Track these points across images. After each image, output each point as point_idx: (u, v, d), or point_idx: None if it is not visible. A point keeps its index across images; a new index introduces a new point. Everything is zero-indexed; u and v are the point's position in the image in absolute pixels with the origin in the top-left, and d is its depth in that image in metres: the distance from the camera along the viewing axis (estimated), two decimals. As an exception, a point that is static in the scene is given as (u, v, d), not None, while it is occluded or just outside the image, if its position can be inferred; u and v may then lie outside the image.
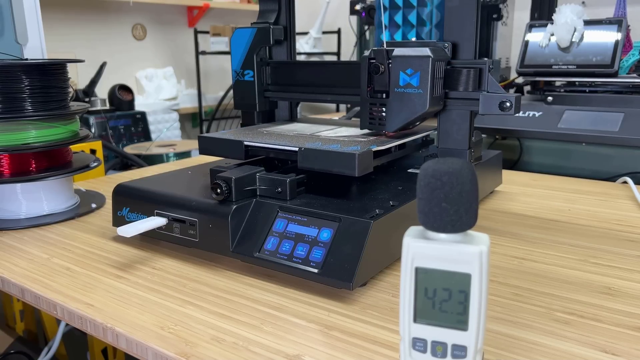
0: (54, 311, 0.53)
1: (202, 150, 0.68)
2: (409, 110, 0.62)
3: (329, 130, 0.73)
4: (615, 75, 1.04)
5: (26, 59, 0.77)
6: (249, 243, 0.57)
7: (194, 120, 3.45)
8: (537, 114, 1.08)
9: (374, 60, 0.63)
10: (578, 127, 1.02)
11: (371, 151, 0.58)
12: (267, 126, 0.77)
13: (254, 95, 0.78)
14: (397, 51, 0.62)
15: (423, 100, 0.61)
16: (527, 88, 1.25)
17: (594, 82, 1.09)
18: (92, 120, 2.39)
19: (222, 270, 0.59)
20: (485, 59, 0.62)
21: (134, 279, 0.57)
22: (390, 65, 0.62)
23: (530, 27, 1.15)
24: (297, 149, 0.60)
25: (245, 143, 0.64)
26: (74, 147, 0.89)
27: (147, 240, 0.68)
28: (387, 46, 0.63)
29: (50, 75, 0.76)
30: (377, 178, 0.69)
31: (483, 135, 1.06)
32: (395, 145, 0.65)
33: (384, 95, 0.64)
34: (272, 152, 0.63)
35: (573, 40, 1.08)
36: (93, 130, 2.37)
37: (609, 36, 1.06)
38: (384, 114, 0.64)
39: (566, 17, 1.08)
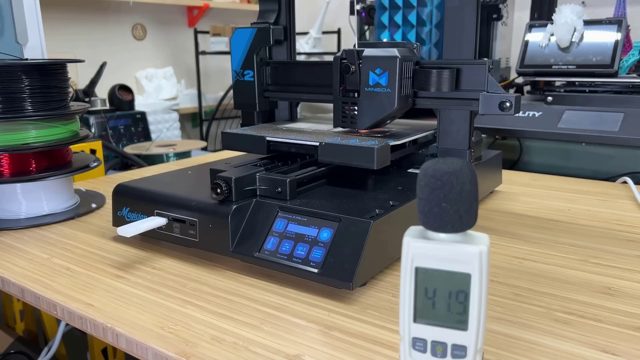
0: (54, 311, 0.53)
1: (226, 146, 0.71)
2: (379, 108, 0.64)
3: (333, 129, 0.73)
4: (615, 75, 1.04)
5: (26, 59, 0.77)
6: (249, 243, 0.57)
7: (194, 121, 3.45)
8: (537, 114, 1.08)
9: (345, 60, 0.65)
10: (578, 127, 1.02)
11: (389, 145, 0.60)
12: (277, 124, 0.78)
13: (254, 95, 0.78)
14: (367, 51, 0.64)
15: (391, 99, 0.63)
16: (527, 88, 1.25)
17: (593, 82, 1.09)
18: (92, 120, 2.39)
19: (222, 270, 0.59)
20: (485, 59, 0.62)
21: (134, 279, 0.57)
22: (360, 65, 0.64)
23: (530, 27, 1.15)
24: (317, 143, 0.62)
25: (268, 138, 0.67)
26: (74, 147, 0.89)
27: (147, 240, 0.68)
28: (359, 47, 0.65)
29: (50, 75, 0.76)
30: (377, 178, 0.69)
31: (483, 135, 1.06)
32: (410, 141, 0.67)
33: (356, 94, 0.66)
34: (294, 147, 0.65)
35: (573, 40, 1.08)
36: (93, 130, 2.37)
37: (608, 36, 1.06)
38: (355, 112, 0.66)
39: (566, 17, 1.08)
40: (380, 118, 0.64)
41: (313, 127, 0.75)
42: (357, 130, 0.69)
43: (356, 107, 0.66)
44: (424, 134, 0.71)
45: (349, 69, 0.65)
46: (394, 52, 0.62)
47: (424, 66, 0.65)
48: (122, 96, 2.62)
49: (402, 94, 0.63)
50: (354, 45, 0.66)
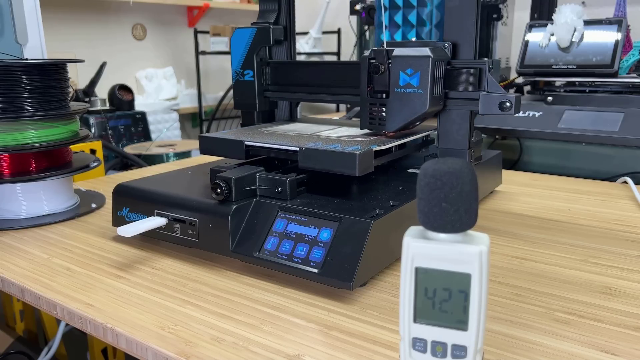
0: (54, 311, 0.53)
1: (203, 150, 0.68)
2: (409, 110, 0.62)
3: (329, 130, 0.73)
4: (615, 75, 1.04)
5: (26, 59, 0.77)
6: (249, 243, 0.57)
7: (194, 120, 3.46)
8: (537, 114, 1.08)
9: (374, 60, 0.63)
10: (578, 127, 1.02)
11: (372, 151, 0.58)
12: (267, 126, 0.77)
13: (253, 95, 0.78)
14: (397, 51, 0.62)
15: (423, 100, 0.61)
16: (527, 88, 1.25)
17: (593, 82, 1.09)
18: (92, 120, 2.39)
19: (222, 270, 0.59)
20: (485, 59, 0.62)
21: (134, 279, 0.57)
22: (390, 65, 0.62)
23: (530, 27, 1.15)
24: (297, 148, 0.60)
25: (246, 143, 0.64)
26: (74, 147, 0.89)
27: (147, 240, 0.68)
28: (387, 46, 0.63)
29: (50, 75, 0.76)
30: (377, 178, 0.69)
31: (483, 135, 1.06)
32: (396, 145, 0.65)
33: (384, 96, 0.64)
34: (273, 152, 0.63)
35: (573, 40, 1.08)
36: (93, 130, 2.37)
37: (608, 36, 1.06)
38: (384, 114, 0.64)
39: (566, 17, 1.08)
40: (410, 120, 0.62)
41: (306, 128, 0.74)
42: (384, 133, 0.67)
43: (384, 109, 0.64)
44: (411, 138, 0.69)
45: (379, 69, 0.63)
46: (427, 51, 0.60)
47: (455, 66, 0.63)
48: (122, 96, 2.62)
49: (434, 95, 0.61)
50: (383, 45, 0.64)
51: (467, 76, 0.62)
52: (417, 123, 0.65)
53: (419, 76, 0.61)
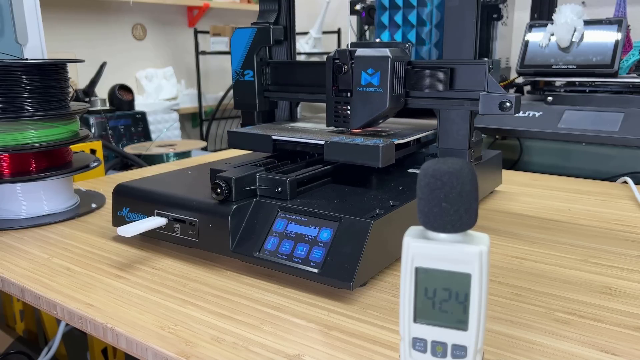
0: (54, 311, 0.53)
1: (232, 145, 0.71)
2: (371, 108, 0.64)
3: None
4: (615, 75, 1.04)
5: (26, 59, 0.77)
6: (249, 243, 0.57)
7: (194, 120, 3.45)
8: (537, 114, 1.08)
9: (338, 60, 0.66)
10: (578, 127, 1.02)
11: (394, 144, 0.61)
12: (288, 123, 0.79)
13: (254, 95, 0.78)
14: (359, 51, 0.64)
15: (383, 99, 0.63)
16: (527, 88, 1.25)
17: (593, 82, 1.09)
18: (92, 120, 2.39)
19: (222, 271, 0.59)
20: (485, 58, 0.62)
21: (134, 278, 0.57)
22: (352, 66, 0.65)
23: (530, 27, 1.15)
24: (323, 142, 0.62)
25: (274, 137, 0.67)
26: (74, 147, 0.89)
27: (148, 240, 0.68)
28: (351, 47, 0.66)
29: (50, 75, 0.76)
30: (378, 178, 0.69)
31: (483, 135, 1.06)
32: (414, 140, 0.67)
33: (348, 94, 0.66)
34: (299, 146, 0.66)
35: (573, 40, 1.08)
36: (93, 130, 2.37)
37: (609, 36, 1.06)
38: (348, 112, 0.67)
39: (566, 17, 1.08)
40: (372, 118, 0.65)
41: (315, 126, 0.75)
42: (350, 130, 0.69)
43: (349, 107, 0.66)
44: (426, 133, 0.71)
45: (342, 69, 0.65)
46: (386, 52, 0.62)
47: (416, 66, 0.65)
48: (122, 96, 2.62)
49: (393, 94, 0.63)
50: (347, 45, 0.67)
51: (430, 77, 0.63)
52: (380, 121, 0.68)
53: (379, 76, 0.63)
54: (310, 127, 0.75)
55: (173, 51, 3.34)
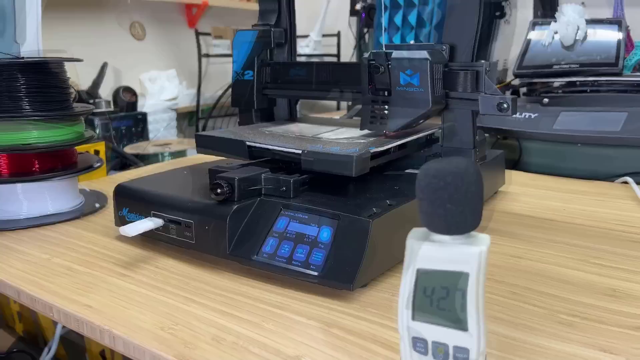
0: (50, 313, 0.52)
1: (200, 150, 0.68)
2: (413, 107, 0.62)
3: (330, 132, 0.72)
4: (620, 73, 1.03)
5: (22, 57, 0.76)
6: (247, 245, 0.56)
7: (191, 119, 3.44)
8: (532, 116, 1.06)
9: (374, 62, 0.64)
10: (574, 128, 1.01)
11: (369, 153, 0.59)
12: (267, 125, 0.76)
13: (252, 92, 0.76)
14: (396, 54, 0.62)
15: (426, 98, 0.61)
16: (523, 90, 1.23)
17: (597, 80, 1.07)
18: (96, 121, 2.39)
19: (223, 271, 0.59)
20: (482, 61, 0.62)
21: (138, 277, 0.57)
22: (390, 67, 0.63)
23: (533, 25, 1.14)
24: (300, 151, 0.60)
25: (248, 143, 0.64)
26: (79, 148, 0.89)
27: (150, 239, 0.67)
28: (385, 49, 0.63)
29: (46, 73, 0.75)
30: (379, 178, 0.68)
31: (486, 135, 1.05)
32: (395, 146, 0.65)
33: (386, 93, 0.64)
34: (277, 155, 0.63)
35: (577, 38, 1.07)
36: (98, 131, 2.37)
37: (611, 35, 1.05)
38: (386, 111, 0.64)
39: (568, 16, 1.08)
40: (414, 118, 0.62)
41: (307, 129, 0.74)
42: (385, 133, 0.66)
43: (387, 107, 0.64)
44: (411, 138, 0.68)
45: (379, 69, 0.63)
46: (425, 54, 0.60)
47: (452, 69, 0.63)
48: (126, 98, 2.63)
49: (435, 94, 0.61)
50: (382, 47, 0.64)
51: (464, 78, 0.62)
52: (421, 121, 0.65)
53: (419, 76, 0.61)
54: (292, 131, 0.72)
55: (176, 54, 3.33)
